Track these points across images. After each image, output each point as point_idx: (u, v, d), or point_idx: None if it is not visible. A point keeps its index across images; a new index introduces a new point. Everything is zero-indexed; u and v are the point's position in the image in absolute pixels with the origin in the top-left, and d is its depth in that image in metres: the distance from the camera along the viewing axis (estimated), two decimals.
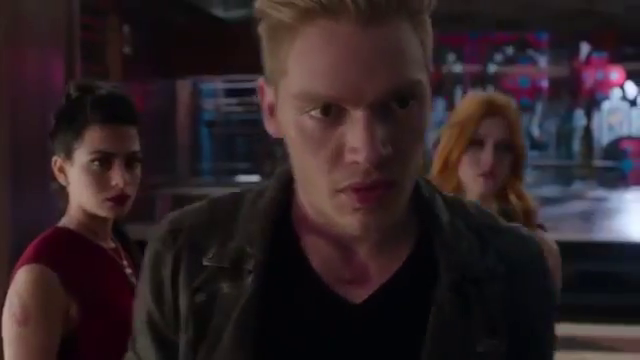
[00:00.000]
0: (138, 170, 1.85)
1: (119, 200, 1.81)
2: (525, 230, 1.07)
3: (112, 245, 1.89)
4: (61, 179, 1.85)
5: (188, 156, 12.05)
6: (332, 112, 0.86)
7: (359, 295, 0.96)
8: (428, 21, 0.91)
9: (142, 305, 1.02)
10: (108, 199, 1.81)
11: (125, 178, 1.80)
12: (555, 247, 2.13)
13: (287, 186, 1.01)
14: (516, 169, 2.11)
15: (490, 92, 2.22)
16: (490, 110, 2.07)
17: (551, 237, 2.17)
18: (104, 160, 1.79)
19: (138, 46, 9.05)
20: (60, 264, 1.76)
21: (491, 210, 2.08)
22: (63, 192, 1.87)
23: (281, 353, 0.95)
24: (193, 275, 0.98)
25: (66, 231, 1.85)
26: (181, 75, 11.31)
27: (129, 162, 1.82)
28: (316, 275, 0.96)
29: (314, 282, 0.96)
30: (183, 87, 11.88)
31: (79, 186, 1.82)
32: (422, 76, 0.89)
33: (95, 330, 1.75)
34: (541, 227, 2.15)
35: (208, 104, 12.96)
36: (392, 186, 0.88)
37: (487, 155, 2.05)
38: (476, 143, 2.07)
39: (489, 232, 1.01)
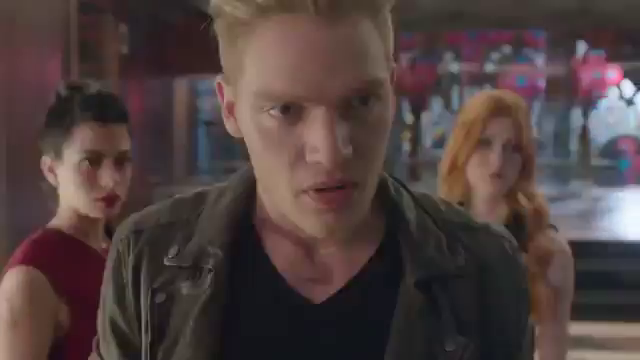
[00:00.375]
0: (128, 170, 1.83)
1: (109, 200, 1.79)
2: (499, 227, 1.03)
3: (103, 246, 1.85)
4: (51, 179, 1.83)
5: (185, 155, 12.05)
6: (292, 110, 0.84)
7: (321, 295, 0.94)
8: (389, 16, 0.89)
9: (105, 307, 1.02)
10: (98, 199, 1.78)
11: (115, 178, 1.77)
12: (567, 247, 2.11)
13: (249, 185, 0.99)
14: (526, 169, 2.08)
15: (499, 91, 2.17)
16: (498, 110, 2.03)
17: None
18: (94, 160, 1.77)
19: (135, 45, 9.04)
20: (49, 266, 1.73)
21: (501, 211, 2.08)
22: (54, 193, 1.85)
23: (241, 352, 0.94)
24: (154, 275, 0.97)
25: (56, 232, 1.82)
26: (178, 74, 11.30)
27: (119, 162, 1.80)
28: (278, 274, 0.95)
29: (276, 281, 0.95)
30: (180, 86, 11.88)
31: (69, 186, 1.79)
32: (384, 73, 0.87)
33: (85, 333, 1.72)
34: (553, 227, 2.12)
35: (205, 103, 12.95)
36: (355, 186, 0.86)
37: (495, 156, 2.01)
38: (484, 143, 2.03)
39: (460, 229, 0.99)
